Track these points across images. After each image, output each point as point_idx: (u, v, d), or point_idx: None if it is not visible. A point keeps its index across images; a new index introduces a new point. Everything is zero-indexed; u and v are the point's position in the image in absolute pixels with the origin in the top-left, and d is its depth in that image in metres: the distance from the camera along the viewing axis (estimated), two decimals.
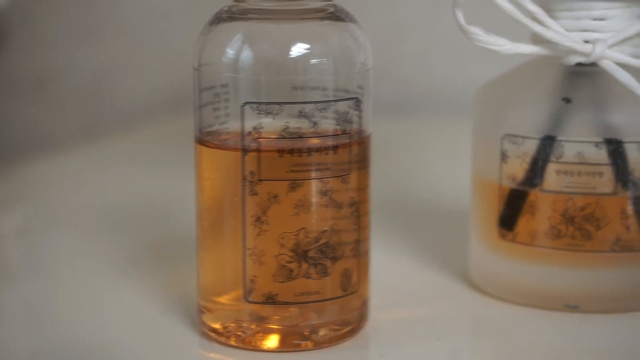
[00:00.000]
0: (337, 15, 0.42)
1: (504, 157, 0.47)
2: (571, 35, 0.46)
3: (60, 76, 0.87)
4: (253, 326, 0.42)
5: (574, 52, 0.46)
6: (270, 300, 0.42)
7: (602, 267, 0.46)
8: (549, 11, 0.46)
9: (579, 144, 0.45)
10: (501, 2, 0.45)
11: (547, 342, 0.45)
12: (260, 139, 0.41)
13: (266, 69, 0.41)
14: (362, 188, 0.43)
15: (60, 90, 0.87)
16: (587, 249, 0.46)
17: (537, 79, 0.48)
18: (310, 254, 0.41)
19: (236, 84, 0.41)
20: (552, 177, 0.46)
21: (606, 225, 0.46)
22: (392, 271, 0.52)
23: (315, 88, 0.41)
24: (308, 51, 0.41)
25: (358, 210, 0.43)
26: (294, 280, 0.41)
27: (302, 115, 0.41)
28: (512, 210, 0.47)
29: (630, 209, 0.46)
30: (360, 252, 0.43)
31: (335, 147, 0.41)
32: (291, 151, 0.41)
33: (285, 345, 0.42)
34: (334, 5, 0.43)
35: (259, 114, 0.40)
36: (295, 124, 0.41)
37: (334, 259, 0.42)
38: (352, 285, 0.43)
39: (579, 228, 0.46)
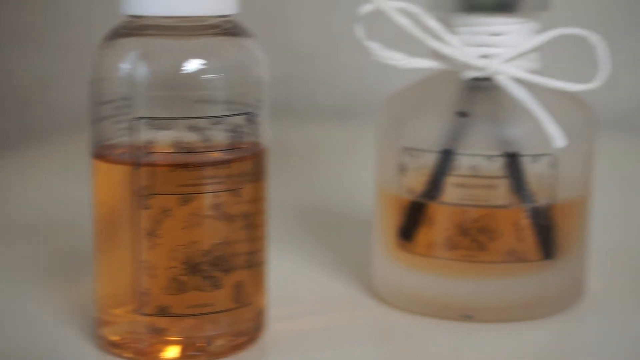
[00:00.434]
0: (232, 31, 0.43)
1: (402, 169, 0.48)
2: (469, 50, 0.47)
3: None
4: (149, 338, 0.43)
5: (470, 67, 0.47)
6: (164, 312, 0.42)
7: (496, 278, 0.47)
8: (449, 26, 0.47)
9: (474, 157, 0.46)
10: (398, 18, 0.46)
11: (442, 351, 0.45)
12: (153, 154, 0.41)
13: (161, 84, 0.41)
14: (257, 200, 0.43)
15: None
16: (481, 259, 0.47)
17: (437, 93, 0.48)
18: (202, 266, 0.42)
19: (131, 99, 0.41)
20: (448, 190, 0.47)
21: (500, 237, 0.47)
22: (296, 282, 0.53)
23: (209, 102, 0.41)
24: (202, 66, 0.41)
25: (252, 222, 0.43)
26: (186, 293, 0.42)
27: (194, 129, 0.41)
28: (411, 221, 0.48)
29: (526, 221, 0.47)
30: (254, 263, 0.44)
31: (228, 161, 0.42)
32: (183, 165, 0.41)
33: (182, 356, 0.43)
34: (231, 22, 0.43)
35: (151, 128, 0.41)
36: (187, 138, 0.41)
37: (227, 271, 0.43)
38: (246, 297, 0.43)
39: (473, 240, 0.47)
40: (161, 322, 0.42)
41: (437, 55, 0.48)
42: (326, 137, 0.85)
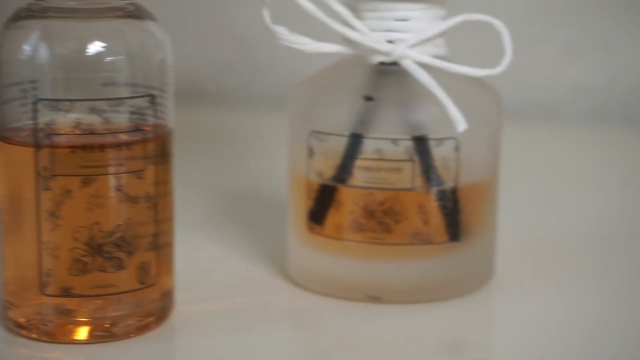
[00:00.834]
0: (136, 14, 0.43)
1: (310, 153, 0.48)
2: (376, 36, 0.47)
3: None
4: (55, 319, 0.43)
5: (376, 51, 0.47)
6: (67, 293, 0.43)
7: (402, 260, 0.48)
8: (356, 12, 0.48)
9: (379, 140, 0.47)
10: (304, 3, 0.47)
11: (350, 332, 0.46)
12: (53, 135, 0.41)
13: (62, 66, 0.41)
14: (161, 182, 0.44)
15: None
16: (387, 242, 0.48)
17: (346, 78, 0.49)
18: (105, 247, 0.42)
19: (34, 81, 0.41)
20: (356, 173, 0.47)
21: (405, 219, 0.47)
22: (209, 265, 0.53)
23: (111, 85, 0.42)
24: (104, 49, 0.42)
25: (156, 204, 0.44)
26: (89, 274, 0.42)
27: (95, 111, 0.41)
28: (320, 204, 0.49)
29: (434, 204, 0.48)
30: (159, 245, 0.44)
31: (129, 143, 0.42)
32: (83, 147, 0.41)
33: (90, 337, 0.43)
34: (134, 4, 0.43)
35: (53, 110, 0.41)
36: (88, 120, 0.41)
37: (130, 253, 0.43)
38: (151, 278, 0.44)
39: (379, 222, 0.47)
40: (67, 303, 0.43)
41: (345, 40, 0.48)
42: (260, 123, 0.86)
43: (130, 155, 0.42)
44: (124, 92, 0.42)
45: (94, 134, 0.42)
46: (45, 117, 0.41)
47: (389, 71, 0.48)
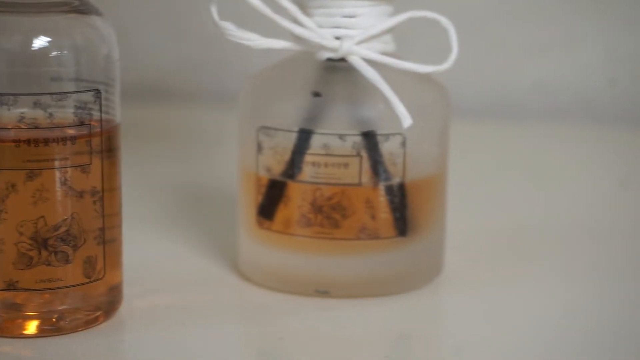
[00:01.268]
0: (81, 9, 0.43)
1: (259, 148, 0.49)
2: (323, 32, 0.48)
3: None
4: (2, 313, 0.43)
5: (324, 48, 0.48)
6: (13, 287, 0.43)
7: (349, 255, 0.48)
8: (304, 8, 0.48)
9: (327, 136, 0.47)
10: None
11: (298, 327, 0.46)
12: None
13: (7, 60, 0.42)
14: (108, 177, 0.44)
15: None
16: (335, 236, 0.48)
17: (295, 73, 0.49)
18: (50, 242, 0.43)
19: None
20: (304, 168, 0.48)
21: (352, 214, 0.48)
22: (159, 259, 0.53)
23: (56, 80, 0.42)
24: (49, 44, 0.42)
25: (103, 199, 0.44)
26: (34, 268, 0.43)
27: (40, 106, 0.42)
28: (270, 199, 0.49)
29: (381, 199, 0.48)
30: (106, 239, 0.44)
31: (73, 138, 0.42)
32: (28, 142, 0.42)
33: (39, 331, 0.44)
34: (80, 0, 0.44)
35: None
36: (32, 115, 0.42)
37: (76, 247, 0.43)
38: (97, 272, 0.44)
39: (327, 217, 0.48)
40: (15, 297, 0.43)
41: (293, 36, 0.49)
42: (219, 120, 0.86)
43: (75, 150, 0.42)
44: (70, 87, 0.42)
45: (38, 128, 0.42)
46: None
47: (337, 67, 0.48)
